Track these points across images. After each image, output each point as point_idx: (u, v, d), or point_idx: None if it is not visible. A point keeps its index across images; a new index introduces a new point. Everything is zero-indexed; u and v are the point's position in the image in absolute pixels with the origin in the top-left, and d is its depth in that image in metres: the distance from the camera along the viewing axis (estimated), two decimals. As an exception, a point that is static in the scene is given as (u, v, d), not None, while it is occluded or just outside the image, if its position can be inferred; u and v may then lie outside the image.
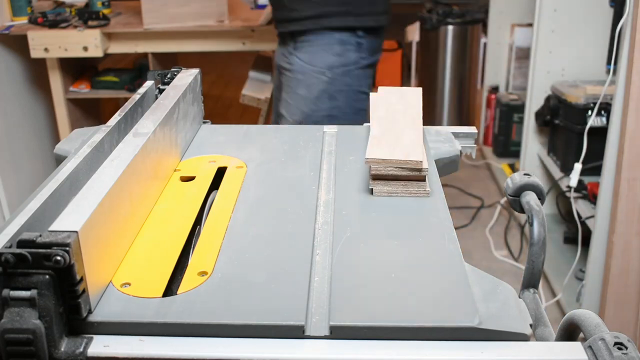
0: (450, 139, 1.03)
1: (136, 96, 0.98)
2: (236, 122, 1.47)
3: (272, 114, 2.14)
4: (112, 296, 0.64)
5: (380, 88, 1.08)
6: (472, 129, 1.07)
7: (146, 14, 2.51)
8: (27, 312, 0.55)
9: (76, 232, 0.57)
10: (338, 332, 0.59)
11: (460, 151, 1.01)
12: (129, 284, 0.65)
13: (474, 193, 3.12)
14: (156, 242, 0.74)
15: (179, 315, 0.60)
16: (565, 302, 2.21)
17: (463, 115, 3.75)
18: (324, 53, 1.65)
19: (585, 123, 2.21)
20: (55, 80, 2.66)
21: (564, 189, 2.36)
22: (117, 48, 2.63)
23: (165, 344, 0.59)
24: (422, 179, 0.83)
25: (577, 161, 2.18)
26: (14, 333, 0.54)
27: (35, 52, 2.51)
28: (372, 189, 0.84)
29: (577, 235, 2.19)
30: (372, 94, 1.05)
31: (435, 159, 0.95)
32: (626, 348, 0.55)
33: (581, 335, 0.62)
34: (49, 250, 0.55)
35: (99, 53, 2.53)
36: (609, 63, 2.33)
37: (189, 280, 0.66)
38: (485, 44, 3.65)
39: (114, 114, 0.91)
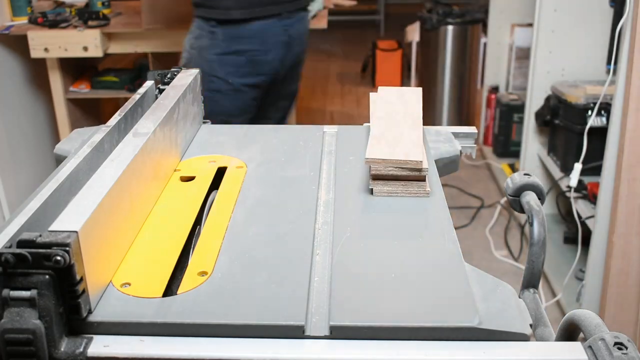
0: (450, 139, 1.03)
1: (136, 96, 0.98)
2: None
3: None
4: (112, 296, 0.64)
5: (380, 88, 1.07)
6: (472, 129, 1.07)
7: (146, 14, 2.51)
8: (27, 312, 0.55)
9: (76, 232, 0.57)
10: (338, 332, 0.59)
11: (460, 151, 1.01)
12: (129, 284, 0.65)
13: (474, 193, 3.13)
14: (156, 242, 0.74)
15: (179, 315, 0.60)
16: (565, 302, 2.21)
17: (463, 115, 3.75)
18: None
19: (585, 123, 2.21)
20: (55, 80, 2.66)
21: (564, 189, 2.36)
22: (117, 48, 2.62)
23: (165, 344, 0.59)
24: (422, 179, 0.83)
25: (577, 161, 2.18)
26: (14, 333, 0.54)
27: (35, 52, 2.51)
28: (372, 189, 0.84)
29: (577, 235, 2.19)
30: (372, 94, 1.05)
31: (435, 159, 0.95)
32: (626, 348, 0.55)
33: (581, 335, 0.62)
34: (49, 250, 0.55)
35: (99, 53, 2.53)
36: (609, 63, 2.33)
37: (189, 280, 0.66)
38: (485, 44, 3.65)
39: (114, 114, 0.91)
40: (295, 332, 0.59)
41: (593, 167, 2.16)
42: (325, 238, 0.75)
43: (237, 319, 0.60)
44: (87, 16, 2.57)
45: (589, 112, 2.25)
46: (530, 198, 0.81)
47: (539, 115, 2.58)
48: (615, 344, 0.56)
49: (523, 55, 3.25)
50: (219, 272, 0.67)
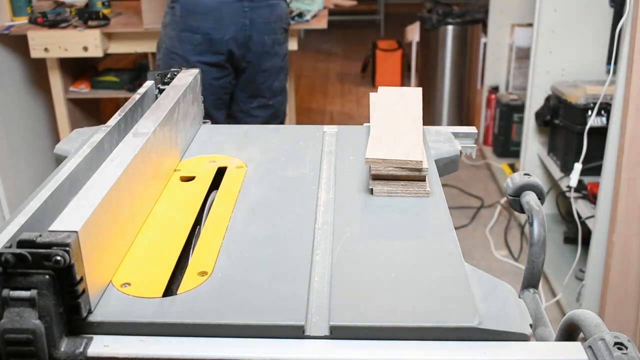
0: (450, 139, 1.03)
1: (136, 96, 0.98)
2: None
3: None
4: (112, 296, 0.64)
5: (380, 88, 1.08)
6: (472, 129, 1.07)
7: (146, 14, 2.51)
8: (27, 312, 0.55)
9: (76, 232, 0.57)
10: (338, 332, 0.59)
11: (460, 151, 1.01)
12: (129, 284, 0.65)
13: (474, 193, 3.12)
14: (156, 242, 0.74)
15: (179, 315, 0.60)
16: (565, 302, 2.21)
17: (463, 115, 3.75)
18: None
19: (585, 123, 2.21)
20: (55, 80, 2.66)
21: (564, 189, 2.36)
22: (117, 48, 2.63)
23: (165, 344, 0.59)
24: (422, 179, 0.83)
25: (577, 161, 2.18)
26: (14, 333, 0.54)
27: (35, 52, 2.51)
28: (372, 189, 0.84)
29: (577, 235, 2.19)
30: (371, 94, 1.05)
31: (435, 159, 0.95)
32: (626, 348, 0.55)
33: (581, 335, 0.62)
34: (49, 250, 0.55)
35: (99, 53, 2.53)
36: (609, 63, 2.33)
37: (189, 280, 0.66)
38: (485, 44, 3.65)
39: (114, 114, 0.91)
40: (295, 332, 0.59)
41: (593, 167, 2.16)
42: (325, 238, 0.75)
43: (237, 319, 0.60)
44: (87, 16, 2.57)
45: (589, 112, 2.25)
46: (530, 198, 0.81)
47: (539, 115, 2.58)
48: (615, 344, 0.56)
49: (523, 55, 3.25)
50: (219, 272, 0.67)
